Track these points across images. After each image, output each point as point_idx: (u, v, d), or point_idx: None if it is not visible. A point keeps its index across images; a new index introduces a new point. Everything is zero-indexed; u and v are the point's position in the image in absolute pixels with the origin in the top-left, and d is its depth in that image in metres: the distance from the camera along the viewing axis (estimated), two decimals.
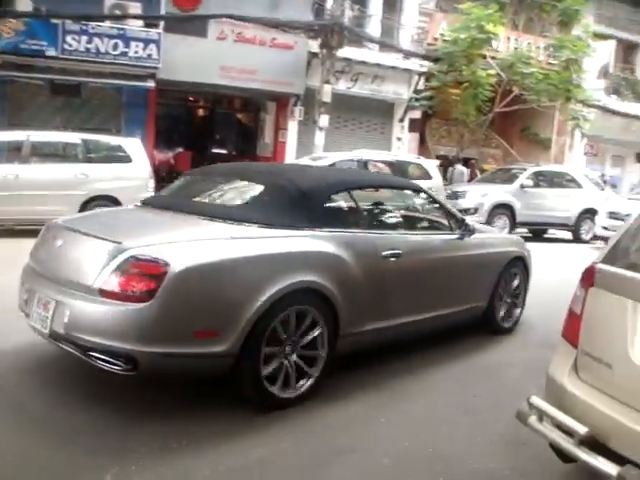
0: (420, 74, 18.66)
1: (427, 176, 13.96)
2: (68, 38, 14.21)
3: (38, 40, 14.03)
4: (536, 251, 7.14)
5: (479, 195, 14.84)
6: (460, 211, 8.45)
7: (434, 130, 21.24)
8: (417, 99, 18.69)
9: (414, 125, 20.03)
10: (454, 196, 14.71)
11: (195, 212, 4.33)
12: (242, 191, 4.71)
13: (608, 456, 2.56)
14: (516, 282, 6.18)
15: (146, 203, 4.95)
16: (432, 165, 15.16)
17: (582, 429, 2.63)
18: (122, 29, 14.72)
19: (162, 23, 15.47)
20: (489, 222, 13.74)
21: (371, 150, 14.97)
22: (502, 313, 6.05)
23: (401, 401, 4.27)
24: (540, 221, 15.57)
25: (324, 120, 16.17)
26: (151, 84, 15.24)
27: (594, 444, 2.62)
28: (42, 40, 14.07)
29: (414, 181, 7.64)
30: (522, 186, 15.15)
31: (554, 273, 8.95)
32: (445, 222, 5.57)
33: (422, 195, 5.69)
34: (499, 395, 4.46)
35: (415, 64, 18.59)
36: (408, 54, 18.39)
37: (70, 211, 9.68)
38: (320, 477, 3.23)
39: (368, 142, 18.13)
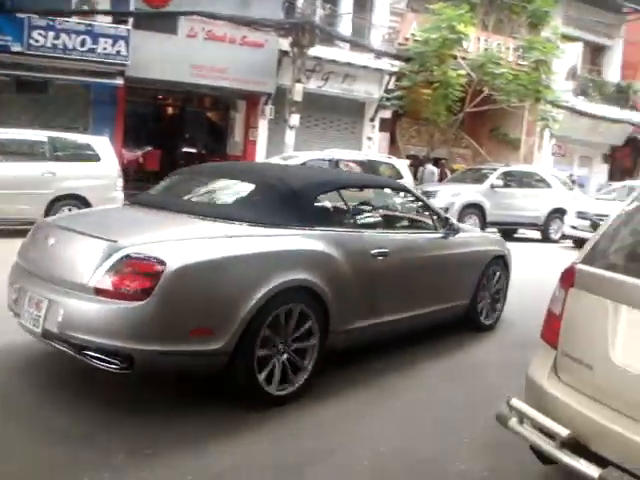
0: (391, 74, 18.70)
1: (398, 176, 13.93)
2: (34, 34, 13.94)
3: (3, 35, 13.77)
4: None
5: (450, 195, 14.87)
6: None
7: (404, 130, 21.28)
8: (388, 99, 18.75)
9: (385, 125, 20.09)
10: (425, 196, 14.69)
11: (186, 211, 4.36)
12: (233, 190, 4.77)
13: (590, 458, 2.54)
14: (497, 280, 6.34)
15: (135, 202, 4.94)
16: (403, 165, 15.21)
17: (563, 431, 2.62)
18: (90, 25, 14.49)
19: (131, 19, 15.27)
20: (459, 222, 13.76)
21: (342, 149, 14.98)
22: (484, 311, 6.19)
23: (389, 398, 4.36)
24: (510, 221, 15.68)
25: (295, 119, 16.14)
26: (120, 81, 15.03)
27: (575, 446, 2.61)
28: (7, 35, 13.79)
29: None
30: (492, 186, 15.26)
31: (527, 272, 9.00)
32: (430, 221, 5.68)
33: (408, 195, 5.87)
34: (483, 393, 4.50)
35: (386, 64, 18.60)
36: (379, 54, 18.41)
37: (37, 210, 9.53)
38: (304, 477, 3.21)
39: (339, 141, 18.13)
